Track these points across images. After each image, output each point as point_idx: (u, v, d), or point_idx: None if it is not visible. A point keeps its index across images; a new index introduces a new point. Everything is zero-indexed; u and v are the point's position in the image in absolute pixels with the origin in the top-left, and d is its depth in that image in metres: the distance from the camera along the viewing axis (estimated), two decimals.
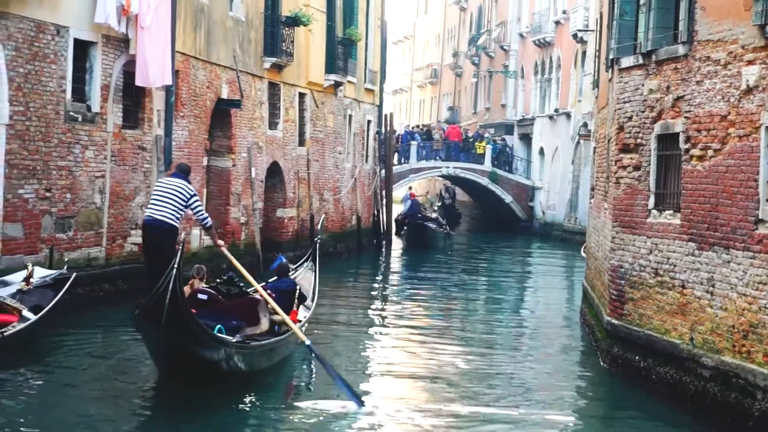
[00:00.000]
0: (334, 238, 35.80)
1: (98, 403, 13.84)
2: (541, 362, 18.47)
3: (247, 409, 14.20)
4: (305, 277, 19.46)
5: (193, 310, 14.03)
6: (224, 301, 15.50)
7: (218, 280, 16.38)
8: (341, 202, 37.75)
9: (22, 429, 12.16)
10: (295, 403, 14.61)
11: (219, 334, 14.13)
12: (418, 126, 63.67)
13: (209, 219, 16.22)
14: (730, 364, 13.26)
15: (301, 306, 17.62)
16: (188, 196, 15.58)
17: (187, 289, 15.16)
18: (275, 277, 17.60)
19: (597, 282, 19.99)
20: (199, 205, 15.93)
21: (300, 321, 16.85)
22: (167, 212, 15.47)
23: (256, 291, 16.17)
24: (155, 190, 16.15)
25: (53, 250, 19.69)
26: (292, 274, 18.47)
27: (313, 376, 16.58)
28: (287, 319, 15.56)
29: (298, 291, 17.11)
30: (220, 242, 16.43)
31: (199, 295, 15.21)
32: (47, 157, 19.57)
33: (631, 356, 16.05)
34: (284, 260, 18.24)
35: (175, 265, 12.77)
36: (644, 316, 15.87)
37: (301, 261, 20.55)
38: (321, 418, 13.78)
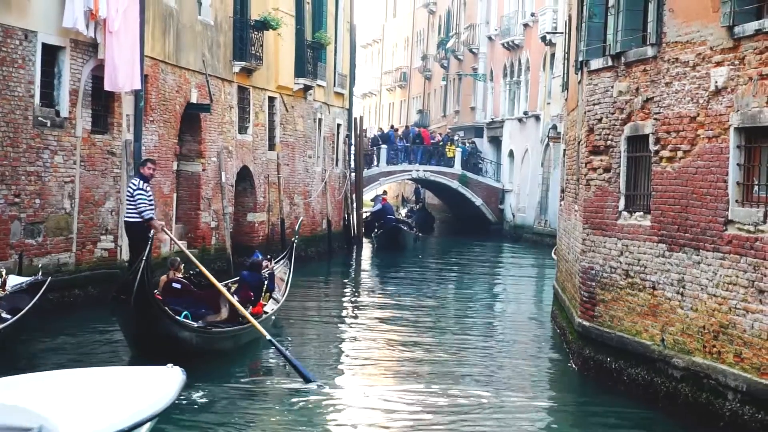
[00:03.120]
0: (304, 242, 35.65)
1: None
2: (512, 364, 18.47)
3: (212, 388, 14.76)
4: (279, 273, 21.60)
5: (159, 296, 16.25)
6: (195, 291, 17.28)
7: (191, 272, 18.13)
8: (312, 206, 37.71)
9: None
10: (258, 383, 15.87)
11: (182, 319, 16.08)
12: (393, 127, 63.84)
13: (147, 212, 17.55)
14: (701, 365, 13.32)
15: (271, 299, 19.91)
16: (132, 192, 17.61)
17: (163, 279, 17.29)
18: (248, 269, 19.69)
19: (568, 284, 20.03)
20: (140, 199, 17.54)
21: (266, 312, 18.91)
22: (133, 213, 17.64)
23: (224, 284, 18.24)
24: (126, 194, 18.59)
25: (22, 256, 19.58)
26: (270, 267, 20.75)
27: (276, 359, 17.53)
28: (250, 318, 16.69)
29: (265, 285, 19.42)
30: (159, 223, 18.01)
31: (174, 284, 16.96)
32: (16, 163, 19.47)
33: (602, 358, 16.09)
34: (260, 257, 20.57)
35: (144, 257, 15.00)
36: (615, 318, 15.92)
37: (279, 258, 22.96)
38: (283, 398, 14.78)
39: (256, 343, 18.19)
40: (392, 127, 64.21)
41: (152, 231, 16.37)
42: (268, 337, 16.32)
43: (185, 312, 16.42)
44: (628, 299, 15.57)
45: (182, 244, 18.30)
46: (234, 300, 16.86)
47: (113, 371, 11.46)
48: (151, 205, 17.90)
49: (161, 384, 10.38)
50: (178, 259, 17.99)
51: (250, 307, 18.22)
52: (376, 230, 45.07)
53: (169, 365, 10.85)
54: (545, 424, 14.43)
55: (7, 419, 8.61)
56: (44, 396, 9.72)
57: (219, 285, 16.98)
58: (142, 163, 18.81)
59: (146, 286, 15.20)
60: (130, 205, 17.77)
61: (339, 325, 23.12)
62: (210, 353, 16.39)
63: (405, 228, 45.59)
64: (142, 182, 17.74)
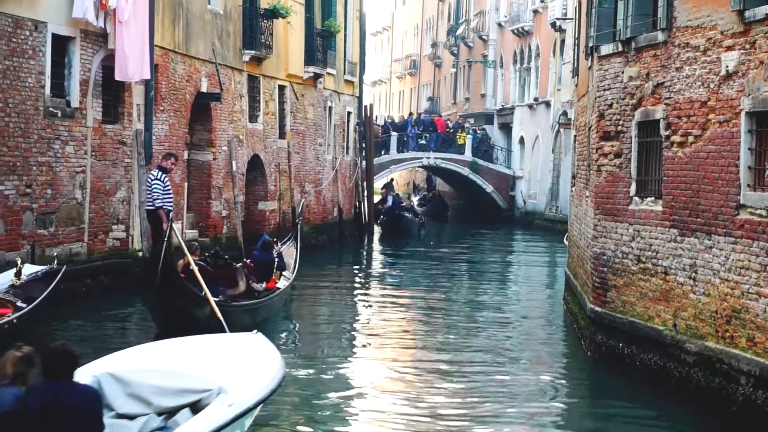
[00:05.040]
0: (315, 230, 35.75)
1: None
2: (524, 350, 18.51)
3: None
4: (288, 252, 23.08)
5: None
6: (211, 271, 18.16)
7: (206, 254, 19.47)
8: (322, 194, 37.71)
9: None
10: None
11: (202, 294, 16.78)
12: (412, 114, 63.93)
13: (159, 201, 18.98)
14: (713, 350, 13.31)
15: (282, 276, 21.24)
16: (150, 182, 19.05)
17: (181, 263, 17.70)
18: (259, 249, 21.14)
19: (580, 270, 20.02)
20: (156, 189, 19.00)
21: (279, 288, 20.37)
22: (150, 201, 19.08)
23: (240, 262, 19.90)
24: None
25: (35, 246, 19.61)
26: (277, 249, 21.96)
27: (293, 335, 18.82)
28: (213, 303, 16.72)
29: (276, 263, 20.81)
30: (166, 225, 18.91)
31: (191, 267, 17.39)
32: (27, 153, 19.50)
33: (614, 343, 16.08)
34: (267, 238, 21.88)
35: (165, 238, 16.29)
36: (627, 303, 15.91)
37: (285, 240, 24.33)
38: (299, 375, 15.07)
39: (273, 320, 19.32)
40: (411, 114, 64.33)
41: (171, 214, 17.94)
42: (219, 316, 16.44)
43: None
44: (640, 284, 15.56)
45: (183, 243, 18.42)
46: (210, 296, 16.86)
47: (213, 338, 12.02)
48: (167, 195, 19.23)
49: (266, 348, 11.20)
50: (195, 243, 19.12)
51: (264, 283, 19.80)
52: (381, 217, 45.41)
53: (254, 331, 11.55)
54: (557, 409, 14.43)
55: (184, 383, 9.77)
56: (184, 362, 10.37)
57: (201, 279, 17.10)
58: (165, 157, 19.89)
59: (170, 262, 16.39)
60: (148, 194, 19.13)
61: (351, 308, 23.45)
62: (229, 329, 16.66)
63: (409, 215, 46.03)
64: (161, 173, 19.06)
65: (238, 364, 10.49)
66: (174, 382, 9.75)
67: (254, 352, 11.01)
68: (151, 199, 18.89)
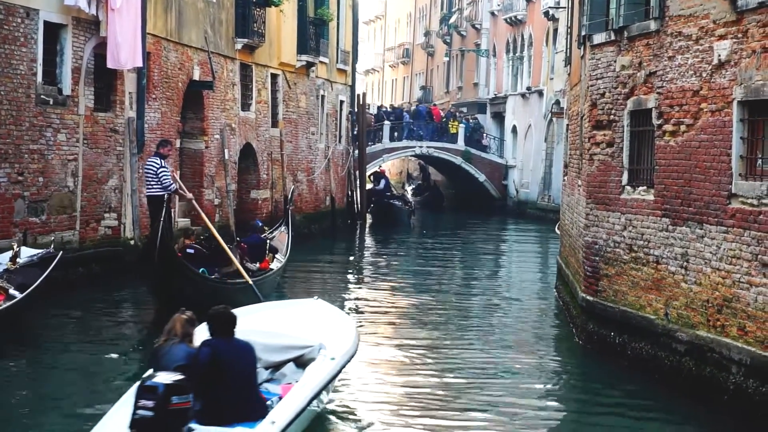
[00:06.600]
0: (308, 220, 35.71)
1: (80, 377, 14.26)
2: (516, 339, 18.51)
3: None
4: (279, 237, 23.88)
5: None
6: (207, 253, 19.16)
7: (201, 238, 20.54)
8: (315, 183, 37.69)
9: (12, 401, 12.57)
10: None
11: (200, 273, 17.97)
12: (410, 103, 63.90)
13: (173, 185, 19.65)
14: (704, 339, 13.33)
15: (275, 258, 21.87)
16: (156, 170, 19.51)
17: (178, 246, 18.64)
18: (250, 234, 22.13)
19: (571, 259, 20.04)
20: (164, 175, 19.52)
21: (272, 269, 21.04)
22: (157, 188, 19.40)
23: (232, 245, 20.45)
24: (144, 171, 20.67)
25: (26, 234, 19.58)
26: (267, 234, 23.11)
27: None
28: (239, 265, 18.84)
29: (267, 245, 21.70)
30: (189, 195, 20.61)
31: (188, 250, 18.74)
32: (19, 141, 19.45)
33: (606, 332, 16.11)
34: (260, 223, 23.47)
35: (161, 218, 16.90)
36: (619, 292, 15.93)
37: (277, 225, 25.11)
38: None
39: (267, 299, 19.18)
40: (419, 102, 64.24)
41: (165, 195, 18.37)
42: (250, 281, 18.54)
43: (202, 269, 18.25)
44: (632, 273, 15.58)
45: (200, 210, 20.96)
46: (234, 258, 18.91)
47: (287, 304, 13.84)
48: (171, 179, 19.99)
49: (335, 311, 12.90)
50: (192, 229, 20.84)
51: (258, 264, 20.54)
52: (371, 205, 45.48)
53: (315, 297, 13.10)
54: (549, 399, 14.44)
55: (288, 341, 11.50)
56: (277, 324, 12.23)
57: (224, 244, 19.20)
58: (163, 144, 20.54)
59: (168, 242, 17.16)
60: (152, 180, 19.49)
61: (342, 294, 23.47)
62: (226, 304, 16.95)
63: (399, 203, 46.16)
64: (162, 161, 19.71)
65: (321, 324, 12.27)
66: (279, 340, 11.48)
67: (328, 314, 12.78)
68: (161, 187, 19.28)
